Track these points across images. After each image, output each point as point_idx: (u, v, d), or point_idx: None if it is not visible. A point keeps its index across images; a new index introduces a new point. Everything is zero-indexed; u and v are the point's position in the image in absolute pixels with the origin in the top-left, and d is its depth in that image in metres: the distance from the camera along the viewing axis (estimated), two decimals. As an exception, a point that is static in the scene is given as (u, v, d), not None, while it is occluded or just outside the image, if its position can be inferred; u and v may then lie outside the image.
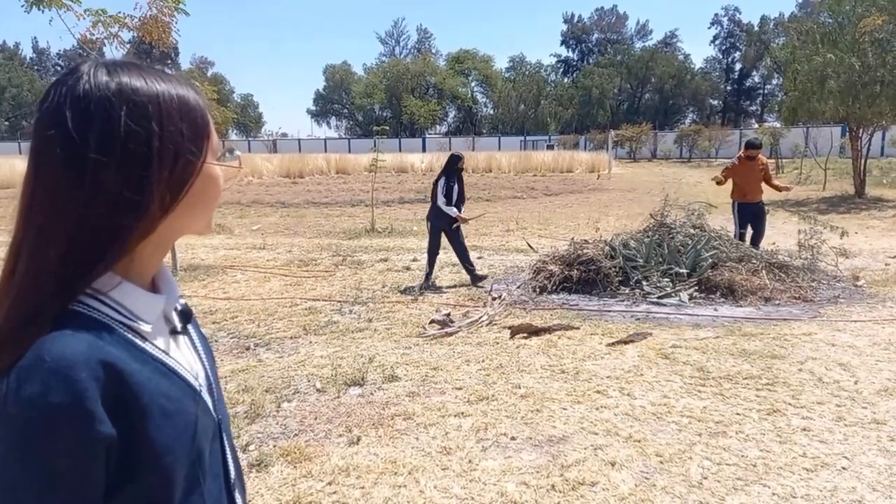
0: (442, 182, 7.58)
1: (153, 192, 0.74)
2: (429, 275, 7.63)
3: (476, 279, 7.56)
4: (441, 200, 7.54)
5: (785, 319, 5.92)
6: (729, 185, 8.61)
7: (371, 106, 69.75)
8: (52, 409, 0.65)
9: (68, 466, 0.67)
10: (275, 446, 3.58)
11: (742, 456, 3.39)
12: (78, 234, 0.72)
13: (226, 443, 0.90)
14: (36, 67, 74.71)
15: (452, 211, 7.53)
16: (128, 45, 8.22)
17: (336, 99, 74.58)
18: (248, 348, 5.35)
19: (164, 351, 0.80)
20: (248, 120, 71.87)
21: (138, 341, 0.76)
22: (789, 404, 4.03)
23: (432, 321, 5.88)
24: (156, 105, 0.75)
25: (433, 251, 7.68)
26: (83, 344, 0.70)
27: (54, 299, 0.72)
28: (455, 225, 7.60)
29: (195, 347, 0.91)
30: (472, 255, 7.60)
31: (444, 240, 7.67)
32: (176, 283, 0.94)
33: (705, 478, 3.18)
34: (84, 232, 0.72)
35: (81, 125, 0.71)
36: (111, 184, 0.72)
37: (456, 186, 7.65)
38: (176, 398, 0.77)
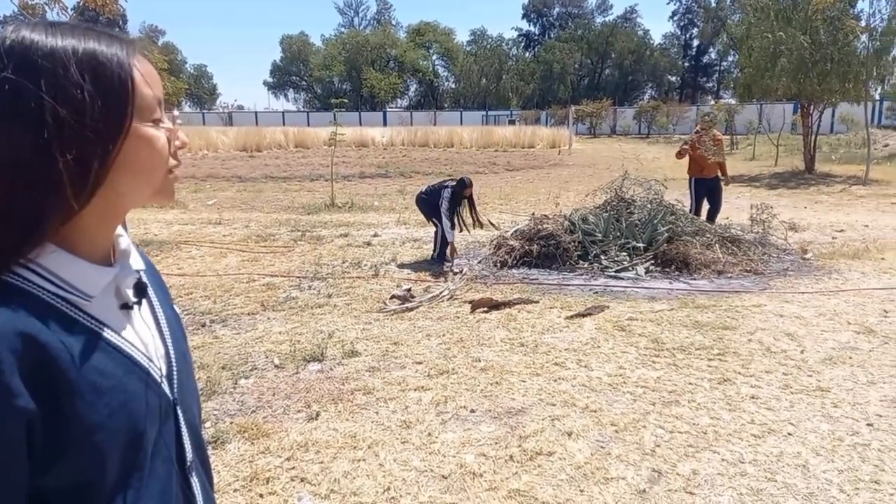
0: (445, 207, 7.27)
1: (54, 161, 0.68)
2: (442, 255, 7.46)
3: (439, 259, 7.43)
4: (447, 225, 7.28)
5: (736, 292, 6.09)
6: (686, 160, 8.77)
7: (330, 78, 68.49)
8: None
9: None
10: (231, 423, 3.54)
11: (693, 424, 3.49)
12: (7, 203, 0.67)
13: (182, 424, 0.86)
14: (-26, 33, 70.94)
15: (451, 235, 7.34)
16: (71, 12, 7.84)
17: (294, 71, 72.88)
18: (203, 325, 5.25)
19: (105, 325, 0.75)
20: (202, 91, 69.74)
21: (72, 314, 0.72)
22: (739, 373, 4.16)
23: (393, 296, 5.86)
24: (49, 60, 0.68)
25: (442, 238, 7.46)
26: (1, 315, 0.65)
27: None
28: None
29: (158, 324, 0.87)
30: (433, 229, 7.52)
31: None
32: (141, 254, 0.89)
33: (658, 445, 3.27)
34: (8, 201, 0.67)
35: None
36: (4, 151, 0.67)
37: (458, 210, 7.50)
38: (112, 374, 0.73)
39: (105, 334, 0.75)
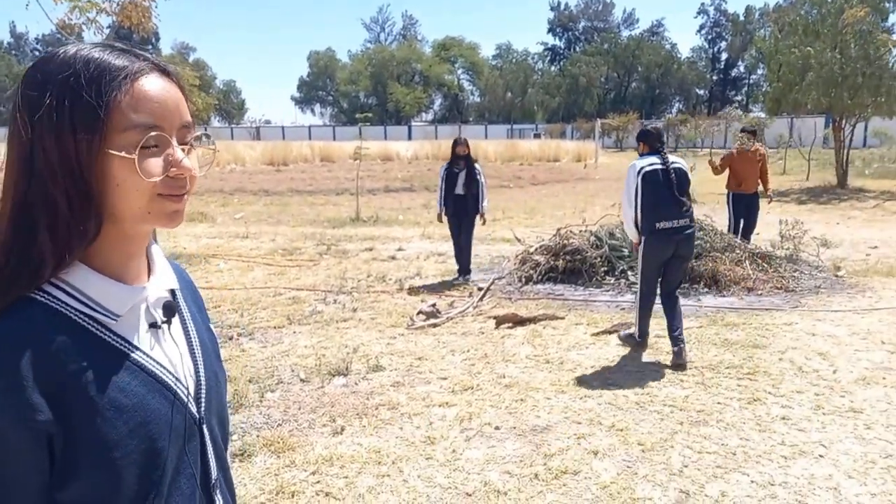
0: (442, 170, 7.22)
1: (45, 177, 0.71)
2: (461, 270, 7.28)
3: (462, 272, 7.29)
4: (440, 196, 7.20)
5: (767, 309, 5.99)
6: (717, 174, 8.61)
7: (356, 93, 69.28)
8: None
9: (2, 458, 0.65)
10: (258, 436, 3.57)
11: (722, 444, 3.43)
12: (20, 223, 0.72)
13: (208, 442, 0.86)
14: (14, 52, 73.25)
15: (438, 206, 7.27)
16: (107, 31, 8.07)
17: (320, 86, 73.96)
18: (231, 338, 5.32)
19: (131, 344, 0.76)
20: (230, 107, 71.04)
21: (97, 332, 0.73)
22: (769, 393, 4.08)
23: (419, 312, 5.87)
24: (55, 70, 0.72)
25: (455, 243, 7.34)
26: (24, 331, 0.68)
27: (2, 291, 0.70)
28: (475, 215, 7.19)
29: (190, 342, 0.88)
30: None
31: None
32: (178, 276, 0.91)
33: (686, 466, 3.22)
34: (21, 221, 0.71)
35: (16, 98, 0.72)
36: (18, 163, 0.71)
37: (463, 174, 7.06)
38: (135, 393, 0.74)
39: (130, 353, 0.76)
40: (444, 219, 7.29)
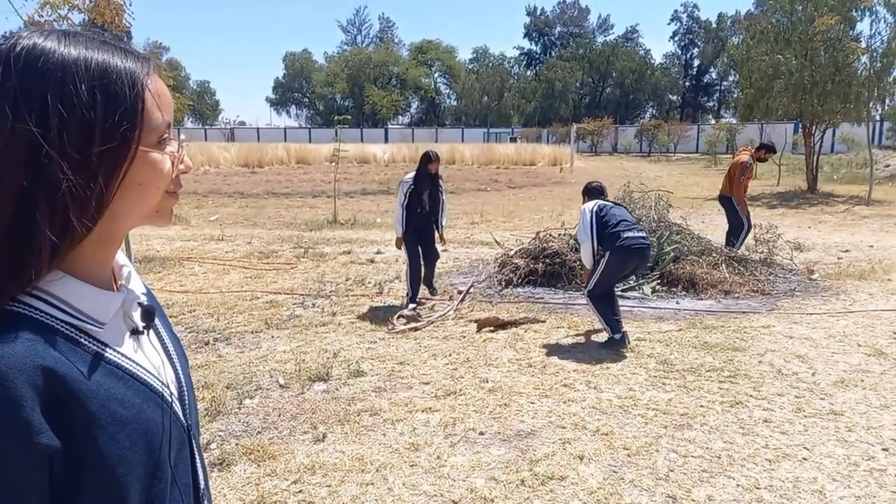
0: (405, 188, 6.12)
1: (57, 182, 0.64)
2: (414, 295, 6.24)
3: (413, 299, 6.26)
4: (397, 210, 6.15)
5: (744, 312, 6.04)
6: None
7: (332, 95, 68.84)
8: None
9: (3, 481, 0.60)
10: (237, 445, 3.48)
11: (707, 448, 3.43)
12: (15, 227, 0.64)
13: (196, 450, 0.84)
14: (-21, 49, 71.44)
15: (398, 230, 6.18)
16: (78, 28, 7.89)
17: (296, 87, 73.30)
18: (207, 343, 5.20)
19: (120, 353, 0.72)
20: (204, 107, 70.07)
21: (87, 343, 0.69)
22: (751, 396, 4.10)
23: (399, 315, 5.81)
24: (59, 72, 0.65)
25: (412, 263, 6.28)
26: (18, 349, 0.62)
27: None
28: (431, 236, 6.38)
29: (165, 348, 0.84)
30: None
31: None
32: (141, 280, 0.86)
33: (672, 470, 3.21)
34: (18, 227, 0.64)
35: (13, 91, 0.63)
36: (8, 163, 0.63)
37: (427, 193, 6.23)
38: (132, 404, 0.70)
39: (121, 362, 0.72)
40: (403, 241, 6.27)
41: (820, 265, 8.07)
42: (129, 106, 0.68)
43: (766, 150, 8.73)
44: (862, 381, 4.35)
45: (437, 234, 6.55)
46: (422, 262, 6.37)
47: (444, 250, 7.05)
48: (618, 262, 4.99)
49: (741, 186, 8.38)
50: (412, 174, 6.25)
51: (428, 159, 6.24)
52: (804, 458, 3.32)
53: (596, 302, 5.06)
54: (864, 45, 16.31)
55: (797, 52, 16.35)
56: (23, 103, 0.63)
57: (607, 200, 5.39)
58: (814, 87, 16.30)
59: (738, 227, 8.35)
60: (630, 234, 4.97)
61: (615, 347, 4.93)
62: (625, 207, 5.49)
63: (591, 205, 5.21)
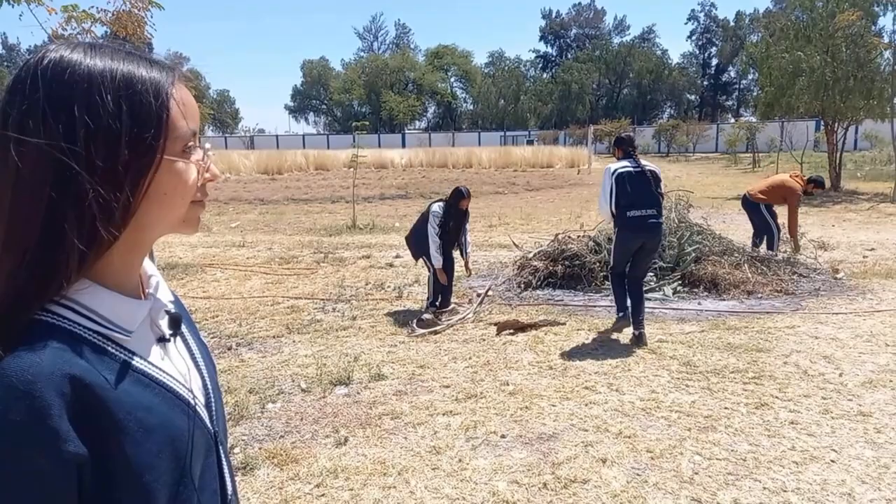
0: (437, 219, 5.91)
1: (84, 192, 0.65)
2: (433, 302, 6.14)
3: (431, 304, 6.16)
4: (433, 246, 5.91)
5: (768, 312, 5.96)
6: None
7: (350, 102, 69.37)
8: (13, 429, 0.59)
9: (34, 490, 0.61)
10: (260, 448, 3.51)
11: (732, 450, 3.39)
12: (24, 240, 0.65)
13: (223, 456, 0.84)
14: (6, 63, 73.01)
15: (437, 261, 5.93)
16: (102, 40, 8.03)
17: (314, 95, 73.99)
18: (229, 348, 5.25)
19: (147, 361, 0.73)
20: (224, 116, 70.92)
21: (115, 351, 0.69)
22: (776, 398, 4.04)
23: (419, 319, 5.82)
24: (86, 83, 0.66)
25: (445, 284, 6.09)
26: (46, 358, 0.63)
27: (13, 313, 0.65)
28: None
29: (192, 356, 0.84)
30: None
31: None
32: (168, 288, 0.87)
33: (696, 473, 3.17)
34: (26, 237, 0.65)
35: (4, 105, 0.65)
36: (36, 175, 0.64)
37: (452, 223, 6.05)
38: (159, 411, 0.70)
39: (147, 370, 0.72)
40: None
41: (845, 264, 7.93)
42: (153, 115, 0.69)
43: (814, 185, 8.30)
44: (890, 381, 4.27)
45: (462, 261, 6.46)
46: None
47: (468, 277, 7.07)
48: (624, 240, 5.20)
49: (796, 214, 7.99)
50: (441, 204, 6.06)
51: (460, 195, 6.04)
52: (832, 461, 3.27)
53: (612, 279, 5.41)
54: (886, 40, 16.06)
55: (818, 49, 16.13)
56: (51, 115, 0.64)
57: (635, 159, 5.19)
58: (836, 84, 16.07)
59: (763, 231, 8.10)
60: (634, 212, 5.06)
61: (619, 326, 5.20)
62: (650, 173, 5.13)
63: (617, 166, 5.17)
